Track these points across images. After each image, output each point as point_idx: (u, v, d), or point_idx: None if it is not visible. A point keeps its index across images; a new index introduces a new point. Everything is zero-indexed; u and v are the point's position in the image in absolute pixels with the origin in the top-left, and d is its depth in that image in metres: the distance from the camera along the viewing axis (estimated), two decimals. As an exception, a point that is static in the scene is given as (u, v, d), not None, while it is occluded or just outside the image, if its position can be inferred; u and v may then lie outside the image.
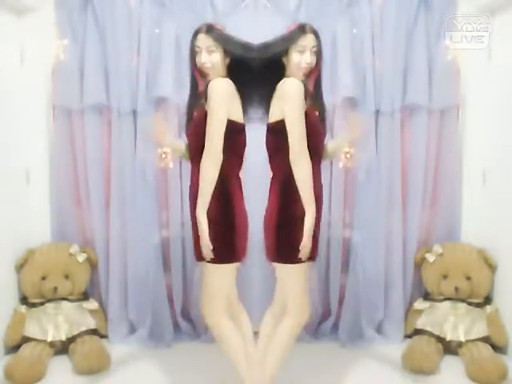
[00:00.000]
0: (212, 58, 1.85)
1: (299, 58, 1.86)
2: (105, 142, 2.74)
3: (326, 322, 2.83)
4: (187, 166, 2.11)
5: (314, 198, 1.82)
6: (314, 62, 1.89)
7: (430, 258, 2.69)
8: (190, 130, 1.93)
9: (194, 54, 1.89)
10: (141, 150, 2.69)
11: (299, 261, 1.84)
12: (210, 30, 1.87)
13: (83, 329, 2.64)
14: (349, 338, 2.73)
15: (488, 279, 2.64)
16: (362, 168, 2.70)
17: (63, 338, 2.56)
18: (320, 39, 1.90)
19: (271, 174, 1.96)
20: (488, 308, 2.60)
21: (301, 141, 1.78)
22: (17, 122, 2.62)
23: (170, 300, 2.79)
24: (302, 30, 1.87)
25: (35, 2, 2.61)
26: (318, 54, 1.90)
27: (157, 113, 2.00)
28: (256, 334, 2.80)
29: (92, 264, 2.74)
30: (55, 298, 2.61)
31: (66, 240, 2.77)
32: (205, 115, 1.81)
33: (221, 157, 1.78)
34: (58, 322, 2.58)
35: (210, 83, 1.80)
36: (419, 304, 2.72)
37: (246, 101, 1.90)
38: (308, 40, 1.86)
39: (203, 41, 1.86)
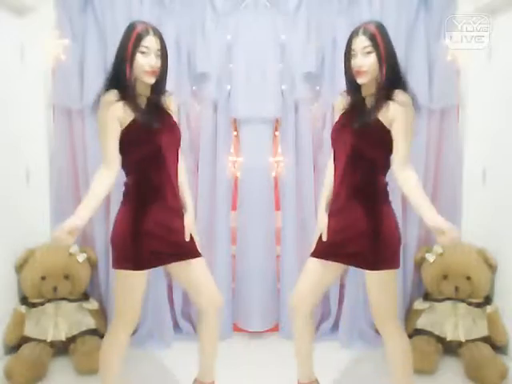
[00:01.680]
0: (158, 62, 1.80)
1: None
2: (105, 141, 2.74)
3: (325, 322, 2.84)
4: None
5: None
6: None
7: (430, 257, 2.69)
8: None
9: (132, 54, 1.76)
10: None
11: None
12: (156, 31, 1.80)
13: (83, 329, 2.64)
14: (349, 338, 2.73)
15: (488, 279, 2.63)
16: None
17: (63, 338, 2.56)
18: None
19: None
20: (488, 308, 2.60)
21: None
22: (17, 122, 2.62)
23: (170, 300, 2.79)
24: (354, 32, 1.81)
25: (35, 1, 2.61)
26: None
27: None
28: (256, 333, 2.81)
29: (92, 264, 2.74)
30: (55, 298, 2.61)
31: (66, 240, 2.77)
32: None
33: None
34: (58, 322, 2.58)
35: None
36: (419, 304, 2.72)
37: None
38: (358, 42, 1.78)
39: (152, 43, 1.76)
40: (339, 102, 1.97)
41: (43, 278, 2.60)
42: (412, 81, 2.65)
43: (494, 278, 2.67)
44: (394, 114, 1.75)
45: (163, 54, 1.81)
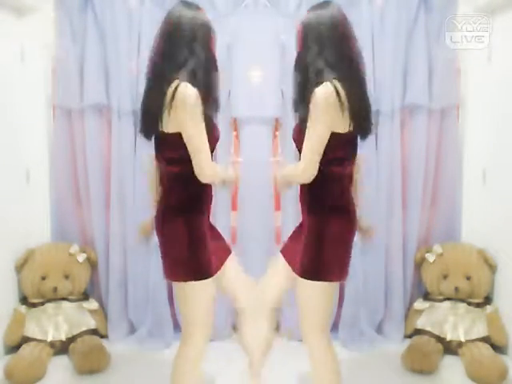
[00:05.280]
0: None
1: None
2: (105, 142, 2.74)
3: (325, 322, 2.83)
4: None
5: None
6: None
7: (430, 257, 2.69)
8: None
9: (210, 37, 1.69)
10: (141, 150, 2.69)
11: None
12: None
13: (83, 329, 2.64)
14: (349, 338, 2.73)
15: (488, 279, 2.64)
16: (362, 168, 2.69)
17: (63, 338, 2.56)
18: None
19: None
20: (488, 308, 2.60)
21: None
22: (17, 122, 2.62)
23: (170, 300, 2.79)
24: None
25: (35, 1, 2.62)
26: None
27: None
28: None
29: (92, 264, 2.74)
30: (55, 298, 2.61)
31: (66, 240, 2.77)
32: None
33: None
34: (58, 322, 2.58)
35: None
36: (419, 304, 2.72)
37: None
38: None
39: None
40: None
41: (43, 278, 2.60)
42: (412, 81, 2.68)
43: (493, 278, 2.67)
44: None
45: None
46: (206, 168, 1.60)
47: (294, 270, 1.74)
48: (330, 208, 1.68)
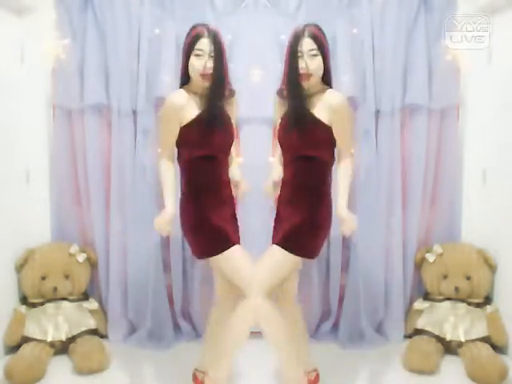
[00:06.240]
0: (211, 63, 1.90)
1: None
2: (105, 141, 2.74)
3: (326, 322, 2.83)
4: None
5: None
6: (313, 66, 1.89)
7: (430, 257, 2.70)
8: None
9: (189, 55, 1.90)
10: (141, 150, 2.69)
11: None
12: (211, 33, 1.91)
13: (83, 329, 2.64)
14: (349, 338, 2.73)
15: (488, 279, 2.64)
16: (362, 168, 2.70)
17: (63, 338, 2.56)
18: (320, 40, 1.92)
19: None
20: (488, 308, 2.60)
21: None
22: (17, 122, 2.62)
23: (170, 300, 2.79)
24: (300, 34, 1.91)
25: (35, 2, 2.62)
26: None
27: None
28: (256, 333, 2.81)
29: (92, 264, 2.74)
30: (55, 298, 2.61)
31: (66, 240, 2.77)
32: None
33: None
34: (58, 322, 2.58)
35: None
36: (419, 304, 2.72)
37: None
38: (304, 44, 1.89)
39: (205, 45, 1.87)
40: (279, 103, 2.08)
41: (43, 278, 2.60)
42: (412, 81, 2.68)
43: (493, 278, 2.67)
44: (334, 113, 1.89)
45: (217, 56, 1.87)
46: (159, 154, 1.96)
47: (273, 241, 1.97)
48: (324, 194, 1.96)
